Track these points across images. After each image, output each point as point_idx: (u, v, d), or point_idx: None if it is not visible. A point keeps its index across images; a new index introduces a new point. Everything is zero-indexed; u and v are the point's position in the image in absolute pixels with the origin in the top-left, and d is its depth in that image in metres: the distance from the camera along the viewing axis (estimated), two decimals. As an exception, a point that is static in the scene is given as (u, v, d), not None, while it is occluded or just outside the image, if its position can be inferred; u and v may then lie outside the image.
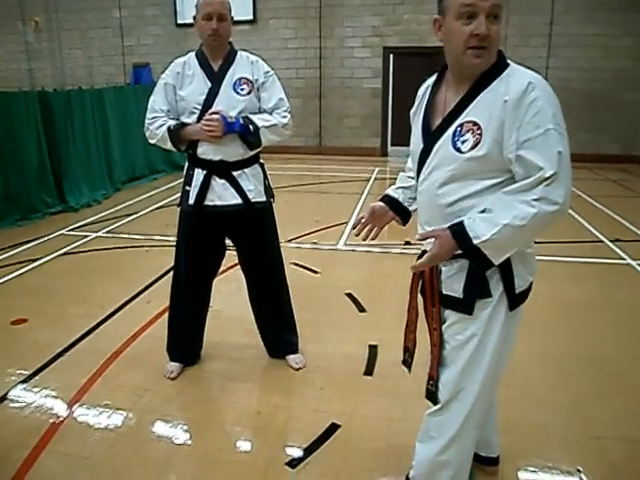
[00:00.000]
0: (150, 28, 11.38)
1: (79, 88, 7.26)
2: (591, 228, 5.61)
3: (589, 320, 3.60)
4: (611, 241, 5.25)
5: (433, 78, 1.76)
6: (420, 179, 1.72)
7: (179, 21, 11.09)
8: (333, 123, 10.96)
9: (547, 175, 1.43)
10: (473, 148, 1.54)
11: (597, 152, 9.18)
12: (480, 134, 1.53)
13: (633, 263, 4.66)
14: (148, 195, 7.46)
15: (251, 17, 10.64)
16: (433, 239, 1.60)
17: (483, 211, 1.55)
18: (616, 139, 9.75)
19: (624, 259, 4.77)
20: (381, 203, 1.97)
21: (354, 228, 1.98)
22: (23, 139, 6.11)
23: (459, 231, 1.54)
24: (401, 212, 1.97)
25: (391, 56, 10.58)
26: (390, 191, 2.00)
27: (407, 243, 5.10)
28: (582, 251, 4.95)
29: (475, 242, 1.51)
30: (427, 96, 1.74)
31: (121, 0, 11.31)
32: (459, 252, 1.58)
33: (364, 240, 1.96)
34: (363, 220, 1.95)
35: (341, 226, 5.80)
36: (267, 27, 10.76)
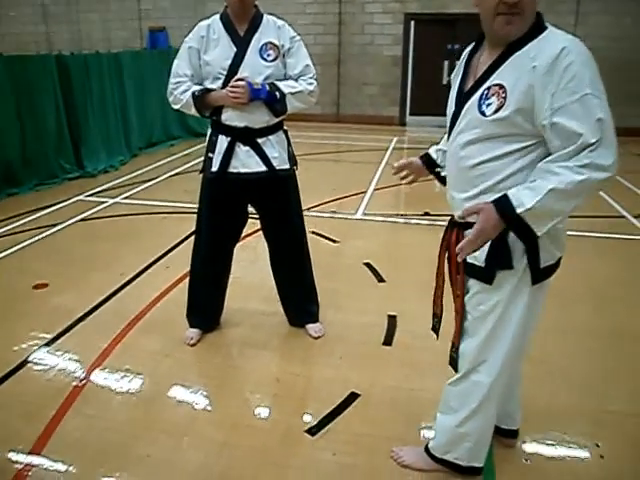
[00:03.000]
0: (167, -9, 11.19)
1: (96, 52, 7.19)
2: (613, 203, 5.51)
3: (611, 296, 3.56)
4: (634, 217, 5.16)
5: (473, 44, 1.73)
6: (449, 142, 1.73)
7: (196, -16, 10.88)
8: (351, 91, 10.79)
9: (591, 141, 1.38)
10: (497, 111, 1.51)
11: (627, 125, 8.84)
12: (505, 97, 1.49)
13: (656, 239, 4.59)
14: (165, 161, 7.44)
15: (269, -20, 10.41)
16: (476, 215, 1.53)
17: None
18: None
19: (646, 235, 4.69)
20: (419, 161, 2.05)
21: (393, 168, 2.09)
22: (41, 104, 6.09)
23: (503, 202, 1.49)
24: (437, 173, 2.02)
25: (412, 23, 10.32)
26: (431, 151, 2.05)
27: (426, 214, 5.05)
28: (604, 226, 4.87)
29: (518, 211, 1.45)
30: (464, 61, 1.72)
31: (138, -38, 11.11)
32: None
33: (402, 180, 2.10)
34: (398, 165, 2.07)
35: (359, 195, 5.76)
36: (286, -9, 10.53)
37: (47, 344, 2.91)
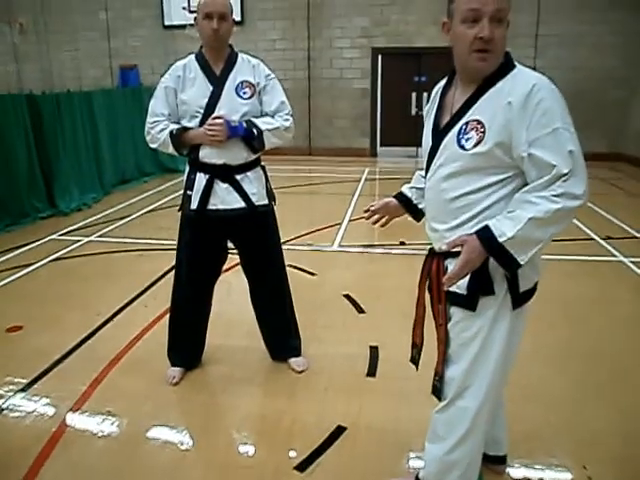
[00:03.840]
0: (137, 30, 11.29)
1: (67, 91, 7.18)
2: (582, 226, 5.67)
3: (586, 317, 3.64)
4: (602, 239, 5.32)
5: (445, 80, 1.80)
6: (428, 176, 1.77)
7: (166, 23, 11.03)
8: (322, 124, 10.96)
9: (564, 172, 1.46)
10: (476, 145, 1.57)
11: (585, 150, 9.13)
12: (483, 132, 1.56)
13: (625, 260, 4.72)
14: (139, 198, 7.40)
15: (239, 18, 10.60)
16: (460, 246, 1.59)
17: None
18: (604, 137, 9.85)
19: (616, 256, 4.83)
20: (394, 200, 2.06)
21: (366, 212, 2.08)
22: (12, 143, 6.03)
23: (485, 232, 1.55)
24: (413, 210, 2.04)
25: (379, 56, 10.61)
26: (404, 189, 2.07)
27: (402, 243, 5.12)
28: (574, 249, 4.99)
29: (500, 240, 1.51)
30: (438, 96, 1.78)
31: (107, 2, 11.21)
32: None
33: (374, 225, 2.08)
34: (372, 208, 2.06)
35: (335, 227, 5.80)
36: (255, 28, 10.74)
37: (23, 389, 2.83)
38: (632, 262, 4.65)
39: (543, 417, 2.56)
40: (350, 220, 6.12)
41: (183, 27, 10.37)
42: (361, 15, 10.32)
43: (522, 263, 1.56)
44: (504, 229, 1.52)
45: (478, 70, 1.58)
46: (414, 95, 10.36)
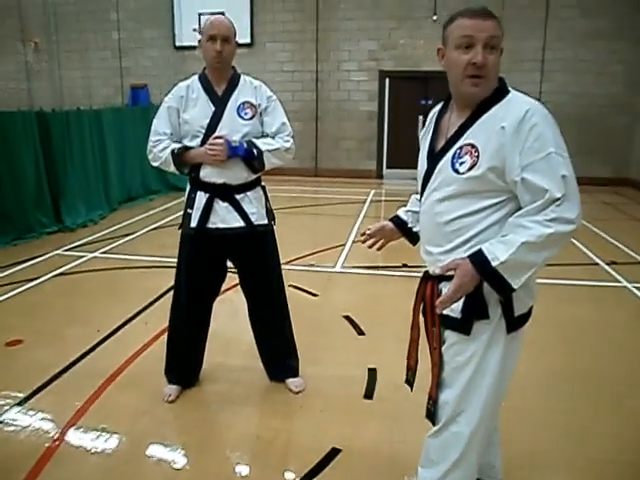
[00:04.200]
0: (148, 50, 11.51)
1: (77, 109, 7.30)
2: (586, 251, 5.65)
3: (586, 342, 3.61)
4: (607, 264, 5.29)
5: (441, 104, 1.82)
6: (422, 199, 1.78)
7: (177, 44, 11.23)
8: (329, 145, 11.05)
9: (557, 196, 1.47)
10: (470, 169, 1.58)
11: (589, 175, 9.23)
12: (477, 156, 1.57)
13: (629, 285, 4.69)
14: (144, 215, 7.46)
15: (248, 40, 10.78)
16: (453, 270, 1.59)
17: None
18: (608, 162, 9.90)
19: (620, 282, 4.80)
20: (390, 224, 2.06)
21: (362, 236, 2.09)
22: (20, 159, 6.12)
23: (478, 256, 1.55)
24: (409, 234, 2.04)
25: (387, 79, 10.72)
26: (400, 212, 2.08)
27: (404, 265, 5.11)
28: (578, 274, 4.98)
29: (493, 264, 1.52)
30: (434, 120, 1.80)
31: (120, 22, 11.45)
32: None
33: (369, 248, 2.07)
34: (369, 232, 2.06)
35: (338, 248, 5.81)
36: (264, 50, 10.90)
37: (19, 403, 2.83)
38: (636, 287, 4.62)
39: (539, 443, 2.53)
40: (354, 241, 6.13)
41: (194, 48, 10.48)
42: (369, 38, 10.47)
43: (515, 287, 1.57)
44: (497, 253, 1.52)
45: (471, 95, 1.61)
46: (420, 118, 10.42)
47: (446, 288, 1.69)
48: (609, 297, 4.51)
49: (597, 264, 5.32)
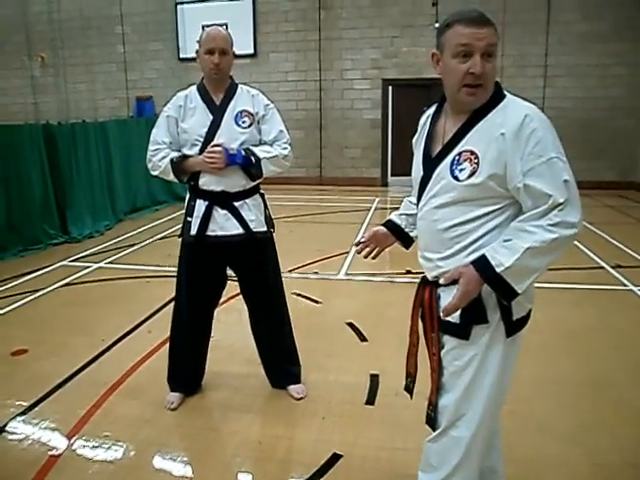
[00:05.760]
0: (153, 63, 11.62)
1: (83, 121, 7.37)
2: (591, 254, 5.62)
3: (590, 346, 3.58)
4: (612, 267, 5.26)
5: (433, 108, 1.80)
6: (420, 205, 1.76)
7: (181, 55, 11.33)
8: (333, 154, 11.09)
9: (560, 201, 1.47)
10: (470, 176, 1.57)
11: (594, 179, 9.25)
12: (477, 163, 1.56)
13: (634, 289, 4.66)
14: (150, 226, 7.51)
15: (252, 51, 10.86)
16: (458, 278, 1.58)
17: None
18: (613, 166, 9.87)
19: (625, 285, 4.77)
20: (384, 228, 2.02)
21: (357, 246, 2.04)
22: (27, 171, 6.19)
23: (482, 263, 1.55)
24: (403, 238, 2.01)
25: (390, 87, 10.76)
26: (393, 216, 2.05)
27: (408, 272, 5.11)
28: (583, 278, 4.95)
29: (498, 270, 1.51)
30: (428, 125, 1.78)
31: (125, 36, 11.58)
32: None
33: (365, 258, 2.03)
34: (363, 240, 2.02)
35: (342, 256, 5.81)
36: (267, 61, 10.98)
37: (23, 412, 2.85)
38: (641, 291, 4.60)
39: (542, 447, 2.52)
40: (357, 252, 6.11)
41: (198, 60, 10.65)
42: (372, 47, 10.52)
43: (520, 292, 1.56)
44: (501, 259, 1.52)
45: (468, 104, 1.59)
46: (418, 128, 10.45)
47: (444, 293, 1.69)
48: (614, 301, 4.48)
49: (602, 267, 5.30)
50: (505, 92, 1.63)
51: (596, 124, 9.73)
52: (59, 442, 2.59)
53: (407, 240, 2.01)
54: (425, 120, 1.83)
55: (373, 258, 2.05)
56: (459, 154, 1.60)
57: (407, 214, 2.00)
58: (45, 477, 2.34)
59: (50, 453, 2.50)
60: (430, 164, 1.70)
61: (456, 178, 1.60)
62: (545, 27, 9.71)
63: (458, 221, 1.62)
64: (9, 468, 2.41)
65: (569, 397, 2.96)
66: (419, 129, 1.85)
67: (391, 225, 2.02)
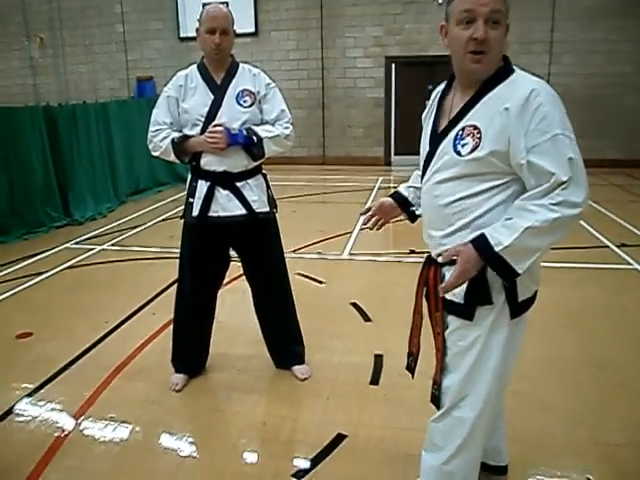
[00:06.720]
0: (153, 42, 11.49)
1: (83, 102, 7.32)
2: (596, 233, 5.59)
3: (595, 326, 3.57)
4: (617, 246, 5.24)
5: (444, 84, 1.77)
6: (424, 181, 1.74)
7: (182, 34, 11.19)
8: (336, 133, 11.00)
9: (563, 179, 1.43)
10: (472, 151, 1.54)
11: (600, 157, 9.13)
12: (480, 137, 1.53)
13: (639, 267, 4.64)
14: (152, 207, 7.49)
15: (253, 29, 10.72)
16: (455, 257, 1.56)
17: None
18: (619, 144, 9.75)
19: (630, 264, 4.75)
20: (390, 200, 2.01)
21: (362, 215, 2.04)
22: (29, 154, 6.16)
23: (481, 241, 1.52)
24: (409, 210, 1.99)
25: (393, 65, 10.63)
26: (401, 188, 2.03)
27: (412, 252, 5.09)
28: (588, 257, 4.93)
29: (497, 249, 1.49)
30: (437, 101, 1.76)
31: (124, 15, 11.43)
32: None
33: (370, 230, 2.03)
34: (370, 213, 2.01)
35: (345, 236, 5.80)
36: (269, 39, 10.85)
37: (30, 394, 2.87)
38: (646, 270, 4.58)
39: (547, 427, 2.52)
40: (361, 229, 6.10)
41: (198, 39, 10.52)
42: (374, 24, 10.36)
43: (520, 272, 1.53)
44: (500, 238, 1.49)
45: (473, 72, 1.55)
46: (428, 103, 10.35)
47: (449, 272, 1.67)
48: (619, 280, 4.46)
49: (607, 246, 5.27)
50: (514, 67, 1.59)
51: (602, 101, 9.60)
52: (66, 424, 2.61)
53: (413, 213, 1.99)
54: (435, 96, 1.80)
55: (378, 229, 2.04)
56: (462, 129, 1.58)
57: (415, 187, 1.97)
58: (52, 458, 2.36)
59: (57, 435, 2.52)
60: (436, 139, 1.68)
61: (458, 153, 1.57)
62: (551, 2, 9.54)
63: (459, 196, 1.60)
64: (16, 450, 2.43)
65: (573, 376, 2.96)
66: (429, 105, 1.82)
67: (398, 197, 2.01)
